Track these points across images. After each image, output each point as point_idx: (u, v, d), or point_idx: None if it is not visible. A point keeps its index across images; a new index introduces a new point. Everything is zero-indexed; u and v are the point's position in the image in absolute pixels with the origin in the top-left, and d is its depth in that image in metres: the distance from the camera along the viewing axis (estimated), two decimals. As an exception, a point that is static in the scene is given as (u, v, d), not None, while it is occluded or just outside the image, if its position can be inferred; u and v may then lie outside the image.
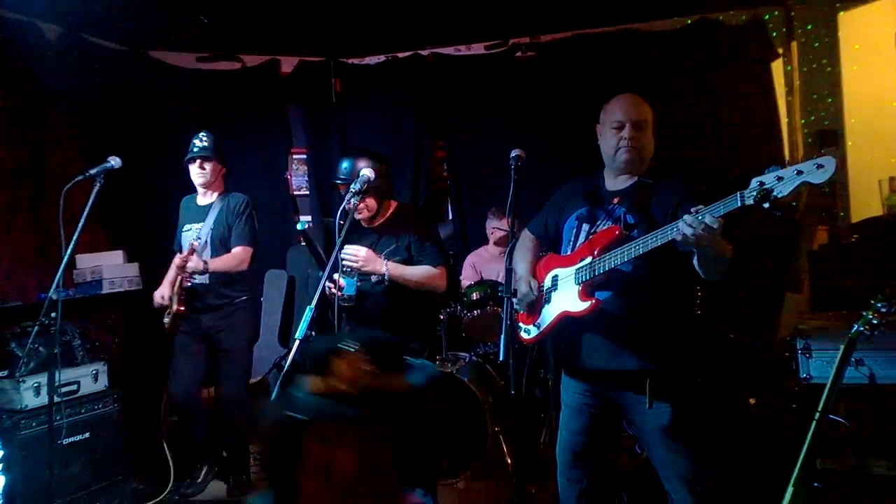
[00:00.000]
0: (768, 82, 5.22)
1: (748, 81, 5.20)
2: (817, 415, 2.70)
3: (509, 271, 2.64)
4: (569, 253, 2.68)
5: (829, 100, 5.06)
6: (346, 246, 3.13)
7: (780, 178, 2.02)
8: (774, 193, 2.02)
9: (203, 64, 5.82)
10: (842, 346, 2.78)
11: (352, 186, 2.92)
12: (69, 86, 4.97)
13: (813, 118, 5.10)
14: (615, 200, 2.61)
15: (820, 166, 1.98)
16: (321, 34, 5.52)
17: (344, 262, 3.13)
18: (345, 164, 3.27)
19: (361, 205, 3.14)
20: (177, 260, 3.94)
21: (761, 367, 4.17)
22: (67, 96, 4.98)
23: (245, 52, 5.86)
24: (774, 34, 5.29)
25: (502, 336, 2.51)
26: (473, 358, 4.63)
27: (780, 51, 5.27)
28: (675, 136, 5.14)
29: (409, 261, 3.27)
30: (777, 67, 5.29)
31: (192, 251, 3.91)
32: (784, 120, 5.26)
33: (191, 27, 5.14)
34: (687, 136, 5.19)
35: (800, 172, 2.00)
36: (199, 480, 4.27)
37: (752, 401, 3.86)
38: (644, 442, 2.66)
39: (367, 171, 2.99)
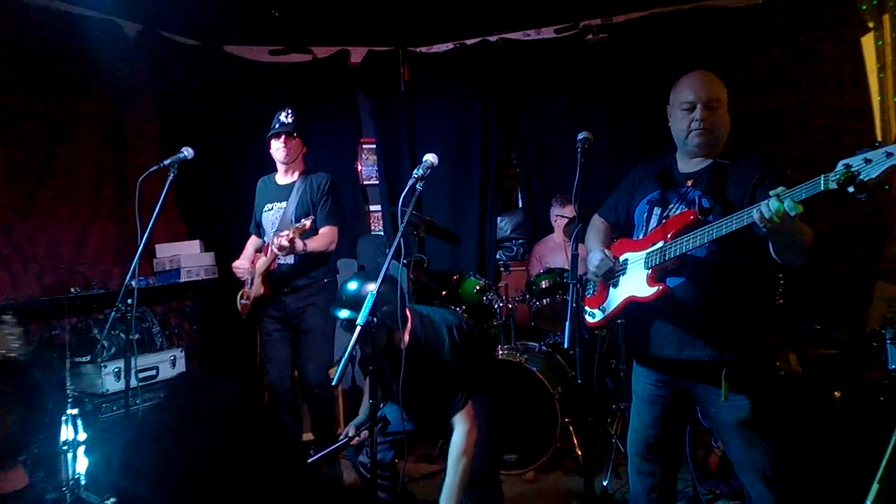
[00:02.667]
0: (858, 58, 4.91)
1: (835, 58, 4.90)
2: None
3: (574, 257, 2.56)
4: (640, 237, 2.59)
5: (926, 75, 4.74)
6: None
7: (867, 161, 1.88)
8: (861, 177, 1.88)
9: (275, 57, 5.93)
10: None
11: (415, 172, 2.89)
12: (148, 81, 5.20)
13: (907, 96, 4.79)
14: (689, 183, 2.50)
15: None
16: (389, 23, 5.53)
17: None
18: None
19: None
20: (282, 239, 3.67)
21: (848, 358, 3.96)
22: (146, 91, 5.20)
23: (315, 44, 5.93)
24: (864, 7, 4.96)
25: (567, 323, 2.43)
26: (543, 348, 4.56)
27: (871, 24, 4.95)
28: (755, 119, 4.94)
29: None
30: (868, 42, 4.97)
31: (304, 229, 3.73)
32: (876, 98, 4.94)
33: (263, 21, 5.24)
34: (768, 118, 4.96)
35: (889, 155, 1.86)
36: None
37: (836, 394, 3.65)
38: (720, 435, 2.55)
39: (430, 157, 2.94)
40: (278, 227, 3.99)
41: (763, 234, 2.14)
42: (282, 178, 4.21)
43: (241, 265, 4.18)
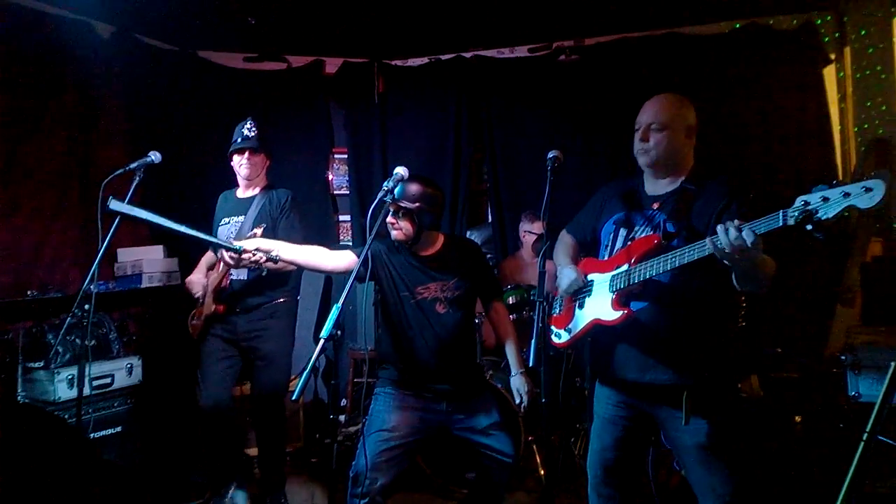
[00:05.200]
0: (820, 89, 5.05)
1: (799, 88, 5.04)
2: (866, 435, 2.56)
3: (542, 275, 2.56)
4: (606, 258, 2.60)
5: (884, 107, 4.87)
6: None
7: (825, 199, 1.90)
8: (818, 215, 1.90)
9: (249, 64, 5.90)
10: (893, 363, 2.63)
11: (384, 184, 2.88)
12: (119, 84, 5.11)
13: (867, 126, 4.92)
14: (655, 206, 2.51)
15: (868, 189, 1.85)
16: (365, 35, 5.53)
17: None
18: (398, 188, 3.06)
19: (397, 224, 3.06)
20: (244, 249, 3.07)
21: (808, 383, 4.02)
22: (117, 94, 5.11)
23: (291, 53, 5.92)
24: (827, 39, 5.11)
25: (533, 340, 2.43)
26: (509, 364, 4.55)
27: (833, 56, 5.10)
28: (722, 143, 5.03)
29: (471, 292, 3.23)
30: (829, 74, 5.11)
31: (255, 237, 3.43)
32: (836, 128, 5.09)
33: (239, 28, 5.20)
34: (735, 143, 5.06)
35: (846, 195, 1.88)
36: (226, 500, 3.87)
37: (797, 419, 3.70)
38: (680, 459, 2.56)
39: (400, 170, 2.95)
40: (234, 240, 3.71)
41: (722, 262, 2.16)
42: (242, 192, 4.00)
43: (196, 280, 3.95)
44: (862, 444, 2.56)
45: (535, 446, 4.19)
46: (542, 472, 4.12)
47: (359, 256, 2.96)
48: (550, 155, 2.70)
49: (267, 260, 2.98)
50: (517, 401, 3.21)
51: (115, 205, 3.02)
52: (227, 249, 3.03)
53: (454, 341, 3.14)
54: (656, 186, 2.57)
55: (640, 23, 5.28)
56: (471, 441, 3.11)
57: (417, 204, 3.04)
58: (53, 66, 4.57)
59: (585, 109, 5.46)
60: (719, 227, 2.05)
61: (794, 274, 4.62)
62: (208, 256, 4.11)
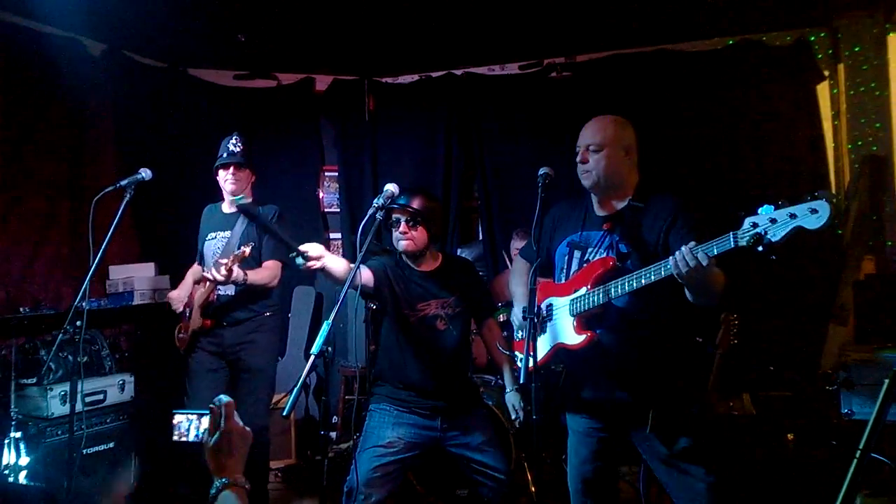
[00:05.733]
0: (813, 105, 5.07)
1: (792, 104, 5.06)
2: (858, 453, 2.55)
3: (533, 292, 2.56)
4: (563, 282, 2.62)
5: (878, 125, 4.90)
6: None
7: (773, 221, 1.91)
8: (768, 237, 1.91)
9: (240, 82, 5.91)
10: (886, 381, 2.62)
11: (375, 201, 2.87)
12: (109, 101, 5.11)
13: (860, 143, 4.94)
14: (605, 226, 2.55)
15: (814, 211, 1.85)
16: (356, 53, 5.56)
17: None
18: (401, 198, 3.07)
19: (409, 234, 3.07)
20: (220, 268, 3.45)
21: (801, 401, 4.01)
22: (107, 111, 5.11)
23: (281, 70, 5.94)
24: (820, 56, 5.14)
25: (523, 358, 2.43)
26: (499, 381, 4.52)
27: (827, 73, 5.12)
28: (715, 160, 5.04)
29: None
30: (823, 90, 5.14)
31: (243, 256, 3.49)
32: (830, 144, 5.10)
33: (229, 46, 5.23)
34: (728, 159, 5.07)
35: (793, 216, 1.88)
36: None
37: (790, 436, 3.69)
38: (657, 472, 2.58)
39: (391, 187, 2.94)
40: (221, 255, 3.75)
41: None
42: (228, 207, 3.99)
43: (177, 295, 3.96)
44: (855, 460, 2.55)
45: (526, 463, 4.16)
46: (534, 490, 4.08)
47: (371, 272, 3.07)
48: (542, 171, 2.69)
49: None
50: (513, 416, 3.18)
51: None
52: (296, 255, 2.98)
53: (452, 358, 3.14)
54: (604, 207, 2.60)
55: (632, 39, 5.30)
56: (465, 457, 3.10)
57: (429, 214, 3.07)
58: (44, 84, 4.56)
59: (576, 126, 5.44)
60: (677, 252, 2.09)
61: (787, 292, 4.62)
62: (194, 270, 4.10)
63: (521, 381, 2.42)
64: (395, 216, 3.07)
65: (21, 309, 4.23)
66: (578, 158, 2.55)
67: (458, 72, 5.84)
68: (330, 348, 2.43)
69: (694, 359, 2.67)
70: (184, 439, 1.61)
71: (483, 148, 5.75)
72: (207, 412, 1.55)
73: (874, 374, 3.30)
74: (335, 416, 5.57)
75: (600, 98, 5.36)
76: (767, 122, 5.07)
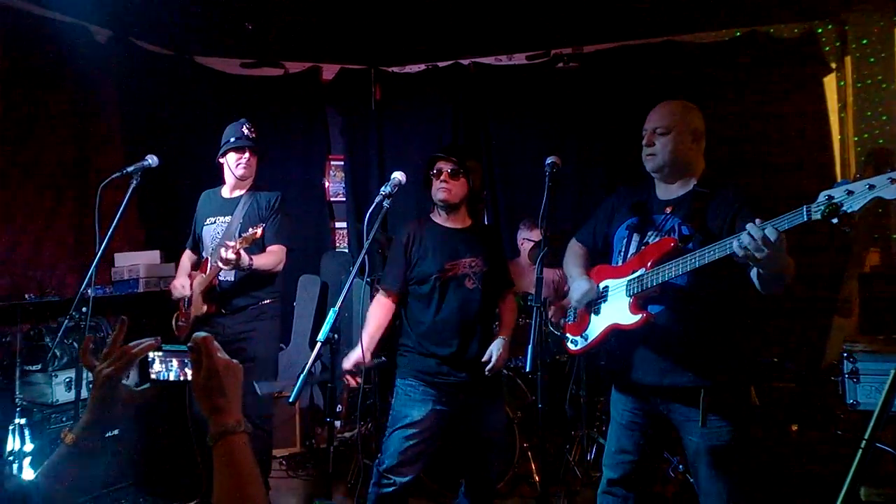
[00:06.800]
0: (820, 98, 5.06)
1: (799, 96, 5.05)
2: (863, 443, 2.55)
3: (539, 281, 2.56)
4: (620, 264, 2.60)
5: (885, 117, 4.88)
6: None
7: (850, 193, 1.90)
8: (844, 208, 1.89)
9: (246, 70, 5.90)
10: (892, 371, 2.62)
11: (382, 189, 2.87)
12: (116, 88, 5.12)
13: (867, 136, 4.92)
14: (668, 210, 2.52)
15: (894, 181, 1.84)
16: (363, 42, 5.54)
17: None
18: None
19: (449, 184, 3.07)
20: (228, 251, 3.35)
21: (805, 392, 4.01)
22: (114, 98, 5.11)
23: (288, 59, 5.93)
24: (827, 49, 5.13)
25: (530, 347, 2.43)
26: (504, 371, 4.53)
27: (834, 66, 5.11)
28: (721, 152, 5.01)
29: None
30: (830, 83, 5.12)
31: (254, 238, 3.41)
32: (836, 137, 5.09)
33: (236, 34, 5.21)
34: (734, 151, 5.05)
35: (871, 187, 1.87)
36: None
37: (793, 427, 3.69)
38: (691, 463, 2.54)
39: (398, 175, 2.93)
40: (221, 240, 3.68)
41: (743, 262, 2.14)
42: (229, 192, 3.93)
43: (180, 284, 3.89)
44: (860, 451, 2.55)
45: (530, 453, 4.17)
46: (537, 479, 4.10)
47: (389, 292, 3.16)
48: (549, 161, 2.70)
49: None
50: (485, 357, 3.05)
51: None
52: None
53: (477, 318, 3.08)
54: (668, 191, 2.58)
55: (639, 31, 5.29)
56: (478, 437, 3.12)
57: (473, 168, 3.11)
58: (50, 70, 4.57)
59: (583, 116, 5.46)
60: (743, 226, 2.05)
61: (792, 284, 4.60)
62: (189, 256, 4.09)
63: (528, 370, 2.42)
64: (438, 166, 3.08)
65: (26, 295, 4.24)
66: (644, 141, 2.53)
67: (466, 62, 5.83)
68: (336, 335, 2.42)
69: (748, 343, 2.63)
70: (162, 378, 1.56)
71: (490, 136, 5.74)
72: (179, 349, 1.51)
73: (880, 365, 3.29)
74: (340, 405, 5.58)
75: (607, 89, 5.37)
76: (774, 114, 5.05)
